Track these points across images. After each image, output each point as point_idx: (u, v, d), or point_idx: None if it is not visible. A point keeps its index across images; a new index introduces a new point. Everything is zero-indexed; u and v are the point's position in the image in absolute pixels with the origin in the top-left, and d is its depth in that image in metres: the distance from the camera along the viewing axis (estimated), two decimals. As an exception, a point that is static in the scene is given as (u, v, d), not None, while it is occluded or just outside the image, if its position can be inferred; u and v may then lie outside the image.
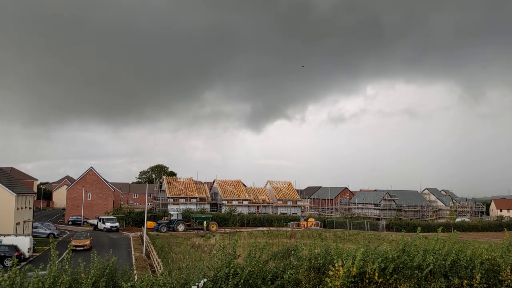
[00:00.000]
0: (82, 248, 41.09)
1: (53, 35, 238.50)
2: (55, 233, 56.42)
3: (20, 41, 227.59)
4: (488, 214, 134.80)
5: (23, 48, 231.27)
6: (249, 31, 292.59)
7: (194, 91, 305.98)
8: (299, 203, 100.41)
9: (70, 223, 75.46)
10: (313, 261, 7.84)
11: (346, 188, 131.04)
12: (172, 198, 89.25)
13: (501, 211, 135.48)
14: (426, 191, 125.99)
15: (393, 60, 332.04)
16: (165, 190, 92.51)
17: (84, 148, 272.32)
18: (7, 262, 34.32)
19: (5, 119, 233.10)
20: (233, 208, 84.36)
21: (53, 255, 7.17)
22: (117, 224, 65.60)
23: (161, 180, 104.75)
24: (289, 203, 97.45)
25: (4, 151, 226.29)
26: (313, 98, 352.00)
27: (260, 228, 73.42)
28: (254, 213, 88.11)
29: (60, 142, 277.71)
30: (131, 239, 54.51)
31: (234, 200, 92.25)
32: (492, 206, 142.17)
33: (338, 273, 7.35)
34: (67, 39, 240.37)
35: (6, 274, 6.78)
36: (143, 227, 52.35)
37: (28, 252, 38.48)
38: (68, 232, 60.98)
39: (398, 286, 7.77)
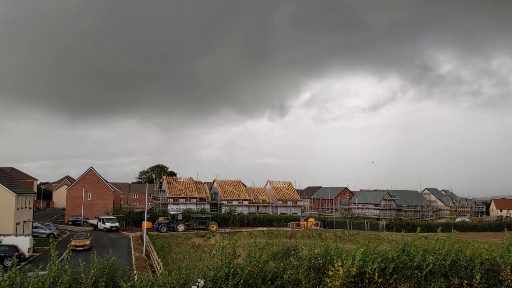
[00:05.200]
0: (82, 248, 41.07)
1: (55, 33, 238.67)
2: (55, 233, 56.39)
3: (27, 43, 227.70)
4: (488, 214, 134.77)
5: (25, 50, 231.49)
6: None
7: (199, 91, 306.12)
8: (299, 203, 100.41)
9: (70, 223, 75.42)
10: (313, 261, 7.84)
11: (346, 188, 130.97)
12: (172, 198, 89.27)
13: (501, 211, 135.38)
14: (426, 191, 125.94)
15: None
16: (165, 190, 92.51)
17: (89, 147, 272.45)
18: (7, 262, 34.29)
19: (10, 117, 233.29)
20: (233, 208, 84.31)
21: (53, 255, 7.16)
22: (117, 224, 65.61)
23: (161, 180, 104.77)
24: (289, 203, 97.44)
25: (9, 149, 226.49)
26: (313, 98, 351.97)
27: (260, 228, 73.41)
28: (254, 213, 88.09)
29: (64, 141, 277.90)
30: (131, 239, 54.52)
31: (234, 200, 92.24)
32: (492, 206, 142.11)
33: (338, 273, 7.35)
34: (70, 37, 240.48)
35: (6, 274, 6.78)
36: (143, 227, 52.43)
37: (28, 252, 38.45)
38: (68, 232, 60.97)
39: (398, 286, 7.77)
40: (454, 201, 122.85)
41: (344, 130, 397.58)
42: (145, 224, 50.22)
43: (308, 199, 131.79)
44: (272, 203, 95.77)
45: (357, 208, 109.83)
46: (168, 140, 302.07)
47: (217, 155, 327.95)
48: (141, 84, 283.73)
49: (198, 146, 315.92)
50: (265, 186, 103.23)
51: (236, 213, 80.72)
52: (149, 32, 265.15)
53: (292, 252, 8.18)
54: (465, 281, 8.21)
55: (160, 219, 68.91)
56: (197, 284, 7.02)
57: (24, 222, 51.24)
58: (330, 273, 7.44)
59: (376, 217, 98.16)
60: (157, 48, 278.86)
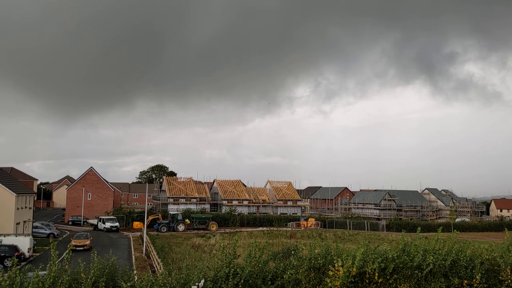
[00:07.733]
0: (82, 248, 41.11)
1: (56, 29, 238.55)
2: (55, 233, 56.41)
3: (27, 41, 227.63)
4: (488, 214, 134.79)
5: (25, 47, 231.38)
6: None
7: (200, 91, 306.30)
8: (299, 203, 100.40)
9: (70, 223, 75.44)
10: (313, 261, 7.83)
11: (346, 188, 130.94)
12: (172, 198, 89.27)
13: (501, 211, 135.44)
14: (426, 191, 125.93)
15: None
16: (165, 190, 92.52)
17: (90, 147, 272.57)
18: (7, 262, 34.30)
19: (14, 117, 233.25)
20: (233, 208, 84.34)
21: (53, 255, 7.16)
22: (117, 224, 65.61)
23: (161, 180, 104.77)
24: (289, 203, 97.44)
25: (9, 149, 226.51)
26: (314, 97, 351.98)
27: (260, 228, 73.41)
28: (254, 213, 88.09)
29: (65, 141, 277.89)
30: (131, 239, 54.53)
31: (234, 200, 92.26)
32: (492, 206, 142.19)
33: (338, 273, 7.34)
34: (71, 34, 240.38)
35: (6, 274, 6.77)
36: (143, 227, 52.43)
37: (28, 252, 38.47)
38: (68, 232, 60.99)
39: (398, 286, 7.77)
40: (454, 201, 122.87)
41: (344, 129, 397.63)
42: (145, 224, 50.32)
43: (308, 199, 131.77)
44: (272, 203, 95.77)
45: (357, 208, 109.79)
46: (171, 139, 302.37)
47: (221, 154, 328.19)
48: (145, 84, 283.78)
49: (202, 145, 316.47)
50: (265, 186, 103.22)
51: (236, 213, 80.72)
52: (149, 29, 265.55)
53: (292, 252, 8.17)
54: (465, 281, 8.21)
55: (150, 218, 65.54)
56: (197, 284, 7.02)
57: (24, 222, 51.25)
58: (330, 273, 7.43)
59: (376, 217, 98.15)
60: (158, 47, 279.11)
